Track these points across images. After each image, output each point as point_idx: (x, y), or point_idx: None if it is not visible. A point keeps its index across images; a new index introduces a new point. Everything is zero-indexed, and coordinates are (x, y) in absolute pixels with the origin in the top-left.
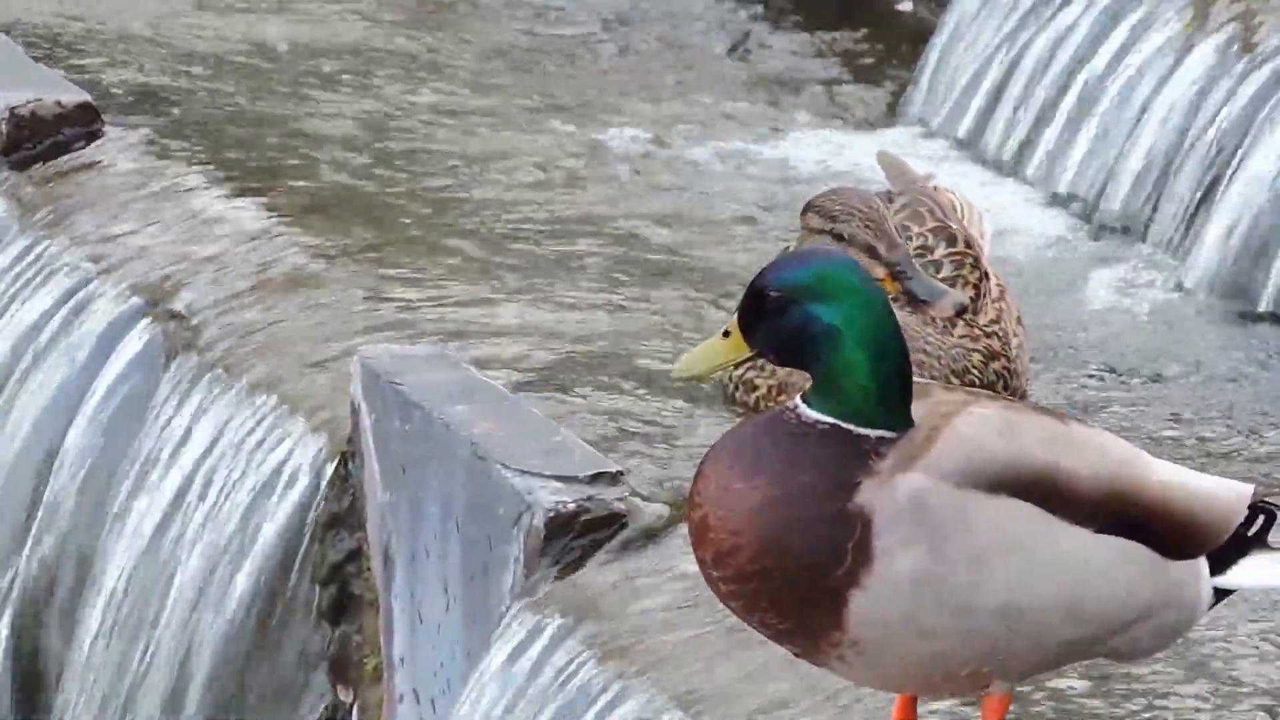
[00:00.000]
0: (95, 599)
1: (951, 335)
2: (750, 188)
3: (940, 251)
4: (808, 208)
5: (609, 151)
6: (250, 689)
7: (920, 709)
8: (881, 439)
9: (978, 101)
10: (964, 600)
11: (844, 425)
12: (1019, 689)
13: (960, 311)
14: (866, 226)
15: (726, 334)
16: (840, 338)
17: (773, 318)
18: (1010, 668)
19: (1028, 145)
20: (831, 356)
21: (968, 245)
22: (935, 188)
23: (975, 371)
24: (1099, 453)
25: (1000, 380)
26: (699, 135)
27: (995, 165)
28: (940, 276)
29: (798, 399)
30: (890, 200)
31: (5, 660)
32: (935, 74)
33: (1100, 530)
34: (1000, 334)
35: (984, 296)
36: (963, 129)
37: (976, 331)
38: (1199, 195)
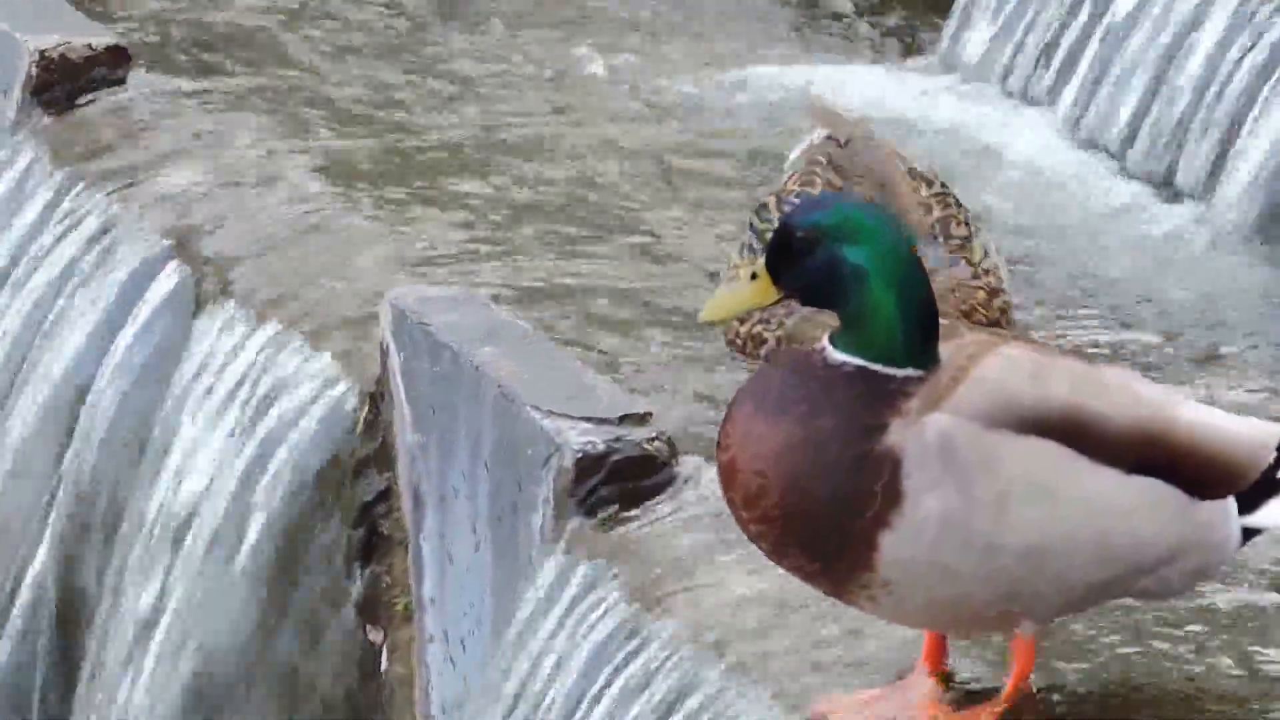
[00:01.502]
0: (128, 539)
1: (954, 273)
2: (784, 122)
3: (924, 193)
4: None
5: (642, 88)
6: (280, 629)
7: (950, 646)
8: (908, 379)
9: (1004, 41)
10: (991, 541)
11: (871, 366)
12: (1050, 629)
13: None
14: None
15: (754, 276)
16: (867, 278)
17: (800, 259)
18: (1038, 608)
19: (1057, 85)
20: (858, 297)
21: (944, 185)
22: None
23: (981, 310)
24: (1127, 393)
25: (1004, 315)
26: (736, 71)
27: (1022, 100)
28: (933, 219)
29: (825, 340)
30: (842, 145)
31: (42, 599)
32: (965, 11)
33: (1128, 471)
34: (994, 269)
35: (975, 235)
36: (989, 67)
37: (978, 270)
38: (1227, 136)
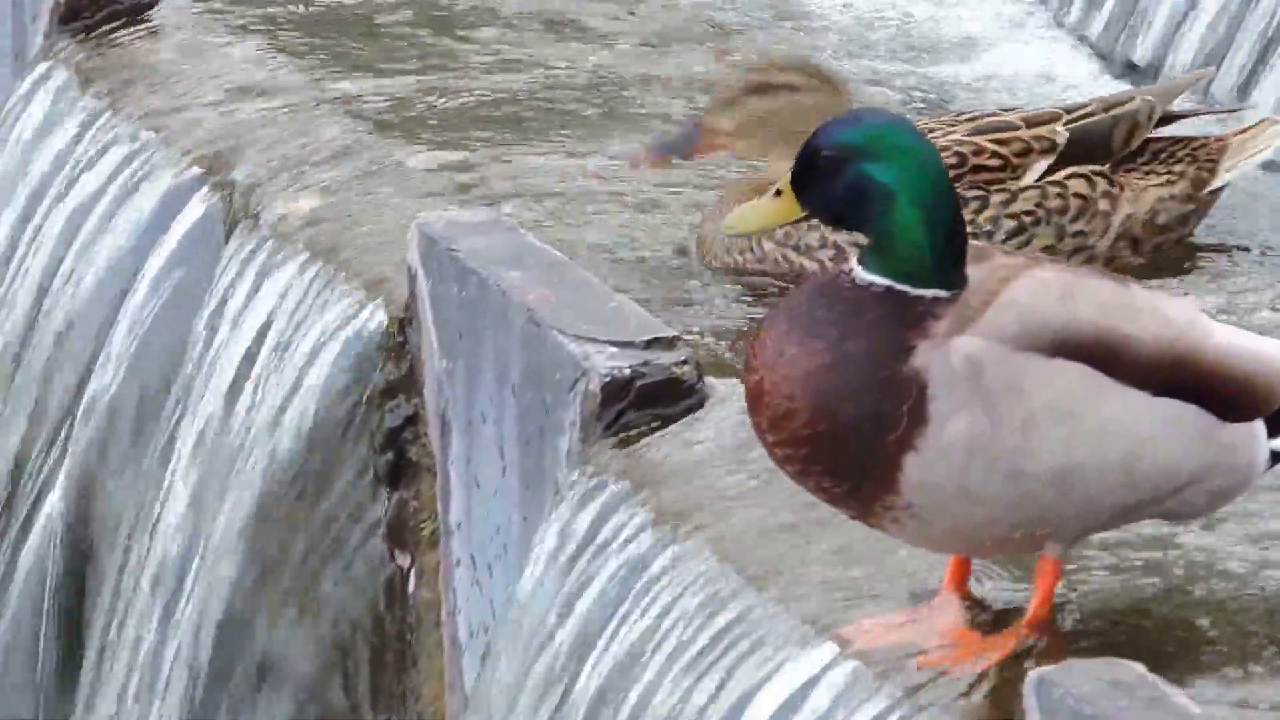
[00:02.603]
0: (153, 466)
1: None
2: (827, 40)
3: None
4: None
5: (680, 10)
6: (307, 554)
7: (975, 569)
8: (936, 300)
9: None
10: (1017, 463)
11: (898, 287)
12: (1073, 552)
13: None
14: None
15: (779, 193)
16: (894, 196)
17: (826, 178)
18: (1064, 530)
19: (1091, 7)
20: (886, 216)
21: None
22: None
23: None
24: (1157, 316)
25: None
26: None
27: (1058, 26)
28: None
29: (853, 261)
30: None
31: (59, 530)
32: None
33: (1156, 393)
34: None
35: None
36: None
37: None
38: (1258, 57)
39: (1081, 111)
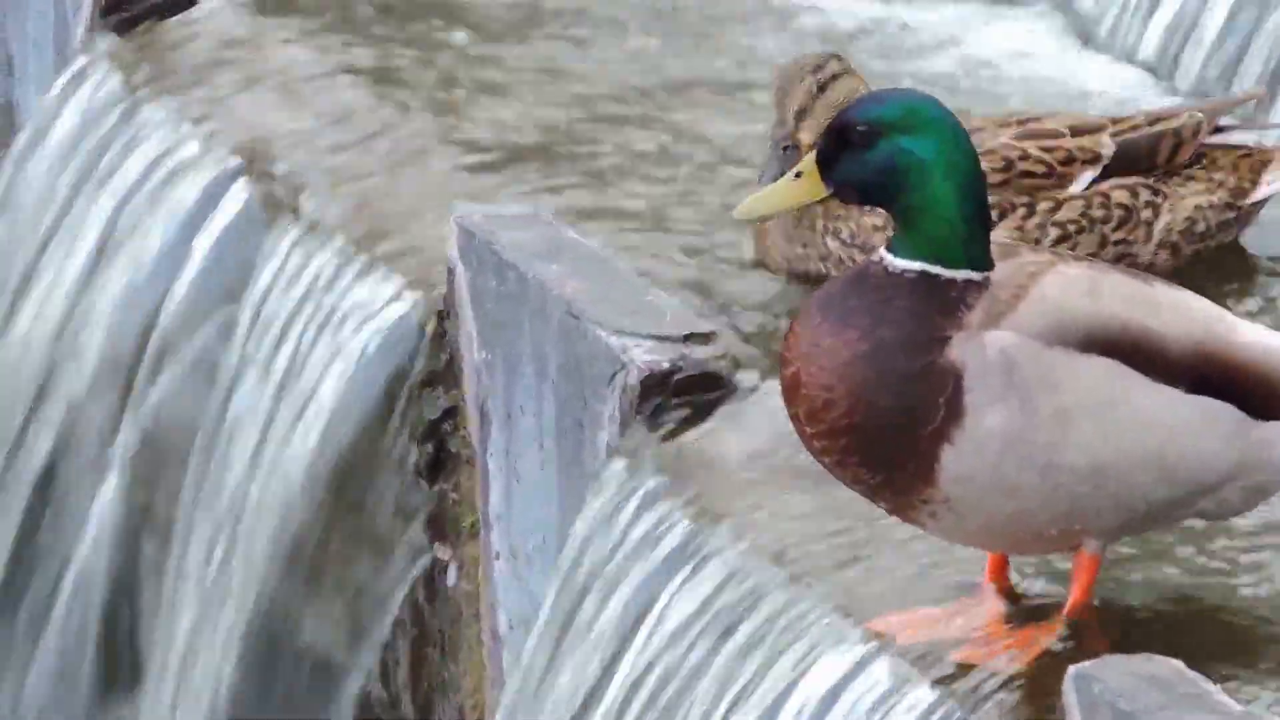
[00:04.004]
0: (198, 457)
1: None
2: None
3: None
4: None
5: (720, 5)
6: (349, 546)
7: (1013, 565)
8: (968, 285)
9: None
10: (1050, 458)
11: (931, 270)
12: (1112, 549)
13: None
14: (774, 95)
15: (799, 175)
16: (929, 170)
17: (858, 153)
18: (1099, 527)
19: (1107, 10)
20: (919, 190)
21: None
22: None
23: None
24: (1186, 313)
25: None
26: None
27: (1080, 34)
28: None
29: (882, 249)
30: (820, 69)
31: (112, 515)
32: None
33: (1188, 390)
34: None
35: None
36: None
37: None
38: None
39: (1129, 123)
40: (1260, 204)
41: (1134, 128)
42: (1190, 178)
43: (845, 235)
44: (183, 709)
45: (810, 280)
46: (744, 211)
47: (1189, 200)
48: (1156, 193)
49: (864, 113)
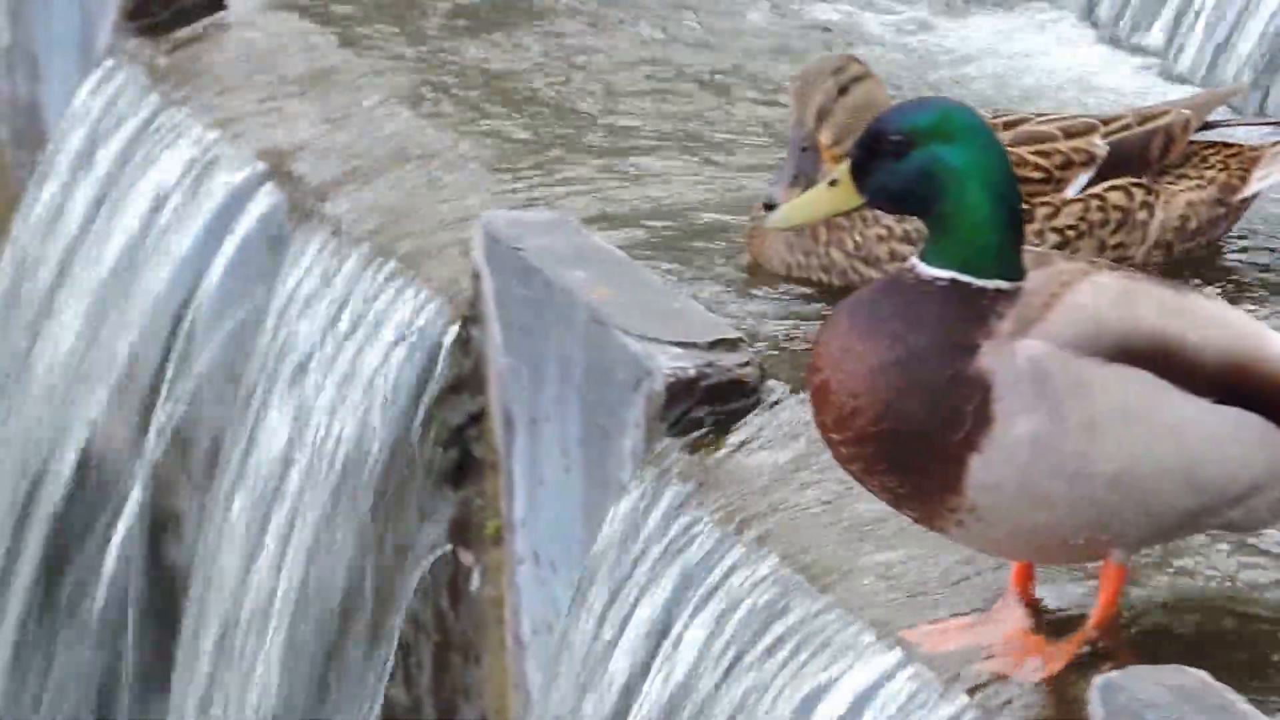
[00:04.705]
0: (224, 465)
1: None
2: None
3: None
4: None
5: (740, 13)
6: (371, 552)
7: (1039, 575)
8: (999, 294)
9: None
10: (1079, 467)
11: (962, 279)
12: (1138, 559)
13: (768, 206)
14: (795, 95)
15: (833, 183)
16: (963, 179)
17: (892, 161)
18: (1127, 536)
19: (1142, 18)
20: (954, 198)
21: None
22: None
23: None
24: (1217, 323)
25: None
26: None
27: (1111, 39)
28: None
29: (914, 258)
30: (840, 71)
31: (140, 523)
32: None
33: (1216, 400)
34: None
35: None
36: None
37: None
38: None
39: (1119, 123)
40: (1249, 200)
41: (1125, 127)
42: (1182, 175)
43: (849, 246)
44: (211, 714)
45: (806, 283)
46: (779, 220)
47: (1180, 197)
48: (1150, 192)
49: (897, 122)
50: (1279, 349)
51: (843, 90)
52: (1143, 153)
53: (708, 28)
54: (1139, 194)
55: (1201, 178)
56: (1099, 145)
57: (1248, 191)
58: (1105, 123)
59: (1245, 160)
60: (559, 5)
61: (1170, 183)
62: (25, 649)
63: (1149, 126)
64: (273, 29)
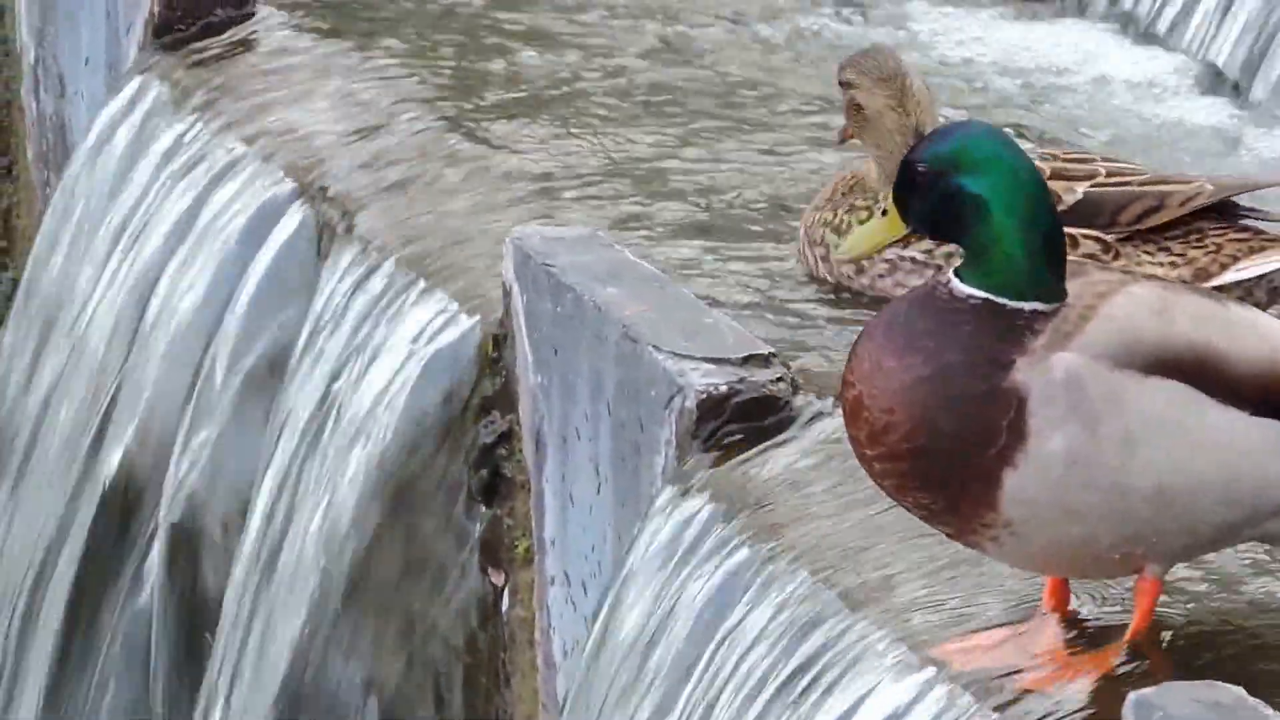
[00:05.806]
0: (257, 478)
1: None
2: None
3: None
4: (841, 67)
5: (758, 21)
6: (402, 571)
7: (1073, 589)
8: (1035, 313)
9: None
10: (1116, 480)
11: (996, 299)
12: (1173, 573)
13: None
14: (888, 93)
15: (885, 212)
16: (987, 207)
17: (923, 193)
18: (1162, 550)
19: (1181, 16)
20: (980, 227)
21: None
22: None
23: None
24: (1256, 334)
25: None
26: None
27: (1148, 37)
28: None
29: (949, 273)
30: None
31: (168, 538)
32: None
33: (1255, 413)
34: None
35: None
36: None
37: None
38: None
39: (1122, 178)
40: (1221, 290)
41: (1123, 183)
42: (1164, 248)
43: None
44: None
45: (852, 294)
46: (846, 251)
47: (1146, 269)
48: (1108, 249)
49: (924, 153)
50: None
51: (888, 79)
52: (1116, 211)
53: (754, 36)
54: (1088, 245)
55: (1183, 255)
56: (1075, 191)
57: (1223, 279)
58: (1111, 174)
59: (1249, 246)
60: (592, 14)
61: (1146, 251)
62: (61, 682)
63: (1136, 189)
64: (300, 43)
